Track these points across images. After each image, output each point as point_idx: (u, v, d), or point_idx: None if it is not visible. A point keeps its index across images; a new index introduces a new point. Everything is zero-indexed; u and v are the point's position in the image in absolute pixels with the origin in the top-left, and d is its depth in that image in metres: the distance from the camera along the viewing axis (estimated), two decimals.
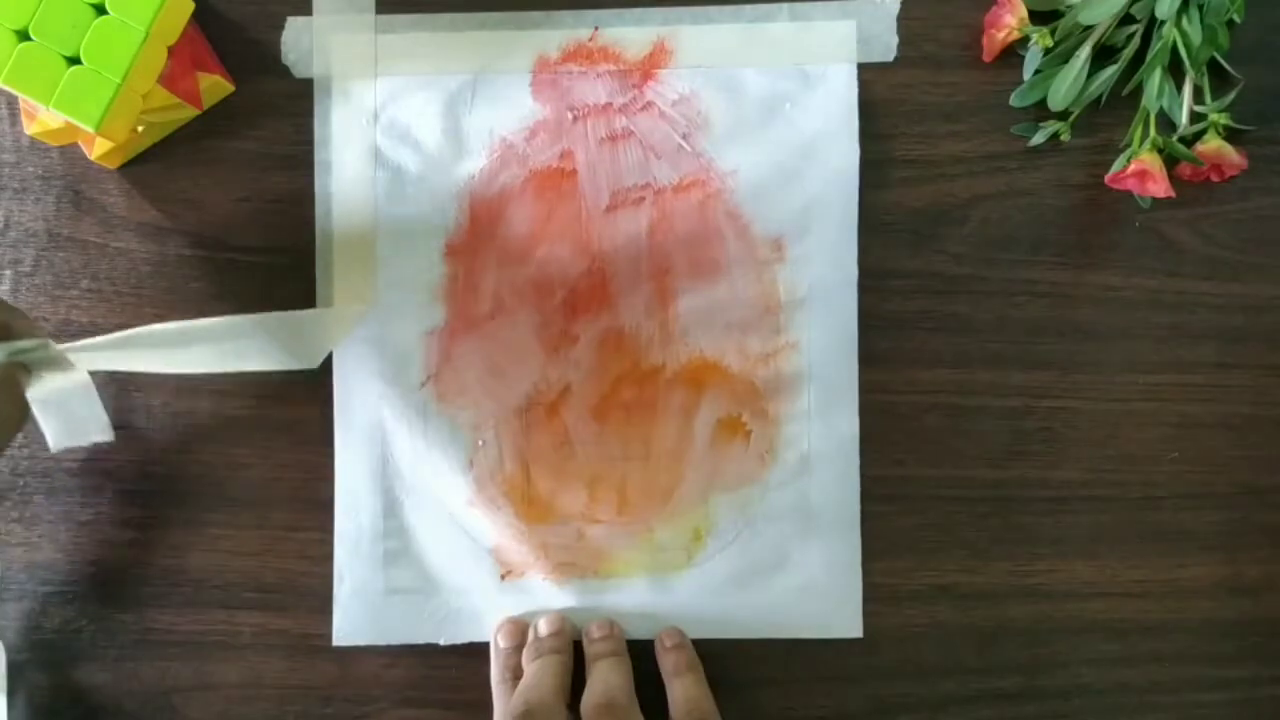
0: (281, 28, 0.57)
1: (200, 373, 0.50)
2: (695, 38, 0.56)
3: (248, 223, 0.57)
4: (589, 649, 0.55)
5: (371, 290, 0.56)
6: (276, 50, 0.57)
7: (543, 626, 0.55)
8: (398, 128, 0.56)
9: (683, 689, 0.53)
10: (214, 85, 0.55)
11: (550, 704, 0.51)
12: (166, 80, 0.52)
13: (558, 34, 0.57)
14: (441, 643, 0.56)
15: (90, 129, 0.49)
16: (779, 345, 0.56)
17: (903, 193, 0.56)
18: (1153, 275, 0.56)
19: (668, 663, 0.55)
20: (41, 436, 0.56)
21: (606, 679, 0.52)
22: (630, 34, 0.57)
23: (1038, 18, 0.56)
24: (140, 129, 0.54)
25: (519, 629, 0.55)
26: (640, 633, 0.56)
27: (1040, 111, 0.56)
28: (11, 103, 0.57)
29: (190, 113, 0.56)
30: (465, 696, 0.56)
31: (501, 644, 0.55)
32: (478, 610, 0.56)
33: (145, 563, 0.56)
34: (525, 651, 0.54)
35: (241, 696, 0.56)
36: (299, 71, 0.57)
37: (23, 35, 0.49)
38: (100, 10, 0.49)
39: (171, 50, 0.52)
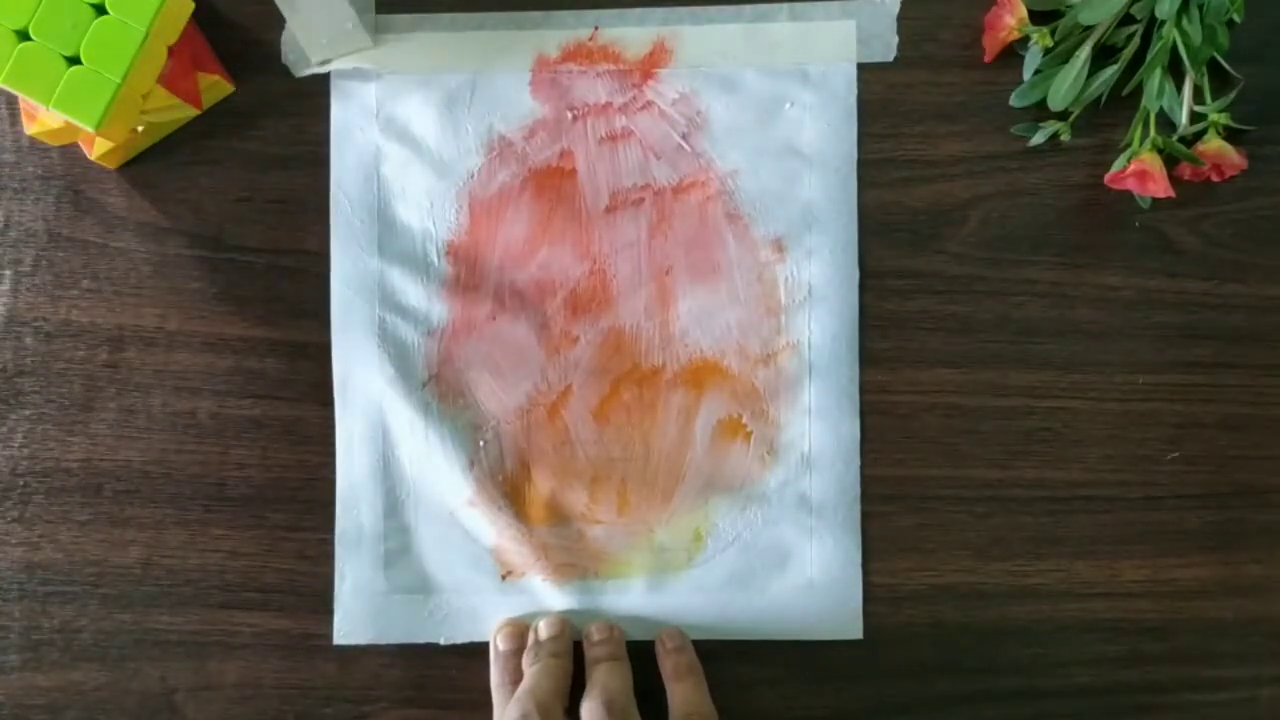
0: (281, 28, 0.56)
1: None
2: (695, 37, 0.56)
3: (248, 223, 0.57)
4: (589, 652, 0.55)
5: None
6: (276, 50, 0.57)
7: (543, 629, 0.55)
8: (397, 127, 0.56)
9: (683, 693, 0.53)
10: (214, 85, 0.55)
11: (549, 707, 0.51)
12: (166, 80, 0.52)
13: (558, 34, 0.56)
14: (441, 643, 0.56)
15: (90, 129, 0.49)
16: (779, 346, 0.56)
17: (903, 193, 0.56)
18: (1153, 275, 0.56)
19: (668, 665, 0.55)
20: (41, 436, 0.56)
21: (606, 682, 0.52)
22: (630, 34, 0.56)
23: (1038, 18, 0.55)
24: (140, 129, 0.54)
25: (519, 631, 0.55)
26: (640, 634, 0.56)
27: (1040, 111, 0.56)
28: (11, 103, 0.57)
29: (190, 113, 0.56)
30: (465, 696, 0.56)
31: (501, 647, 0.55)
32: (478, 610, 0.56)
33: (145, 563, 0.56)
34: (525, 655, 0.54)
35: (241, 696, 0.56)
36: (299, 71, 0.57)
37: (23, 35, 0.49)
38: (100, 10, 0.49)
39: (171, 50, 0.52)
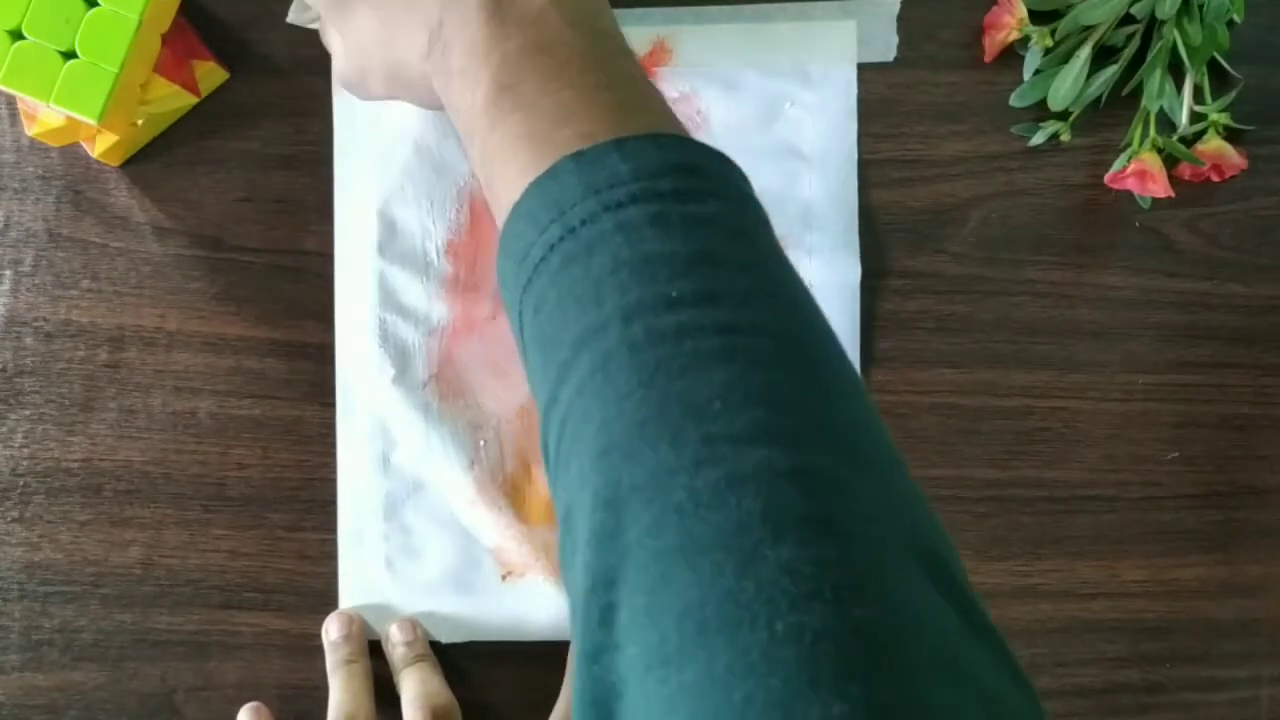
0: (282, 28, 0.54)
1: None
2: (695, 37, 0.54)
3: (248, 223, 0.54)
4: (393, 655, 0.52)
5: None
6: (277, 50, 0.54)
7: (331, 629, 0.52)
8: (398, 126, 0.54)
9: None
10: (210, 72, 0.53)
11: (355, 717, 0.49)
12: (163, 68, 0.50)
13: None
14: (442, 642, 0.53)
15: (93, 121, 0.47)
16: None
17: (903, 193, 0.54)
18: (1153, 275, 0.54)
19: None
20: (41, 435, 0.54)
21: (423, 688, 0.50)
22: (630, 33, 0.53)
23: (1038, 18, 0.53)
24: (140, 121, 0.52)
25: (347, 619, 0.53)
26: None
27: (1040, 111, 0.54)
28: (11, 103, 0.54)
29: (188, 101, 0.53)
30: (465, 696, 0.53)
31: (332, 635, 0.52)
32: (478, 611, 0.53)
33: (145, 563, 0.54)
34: (327, 657, 0.52)
35: (241, 696, 0.53)
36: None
37: (16, 35, 0.46)
38: (91, 3, 0.46)
39: (165, 39, 0.50)
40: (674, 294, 0.29)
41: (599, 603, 0.26)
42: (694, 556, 0.25)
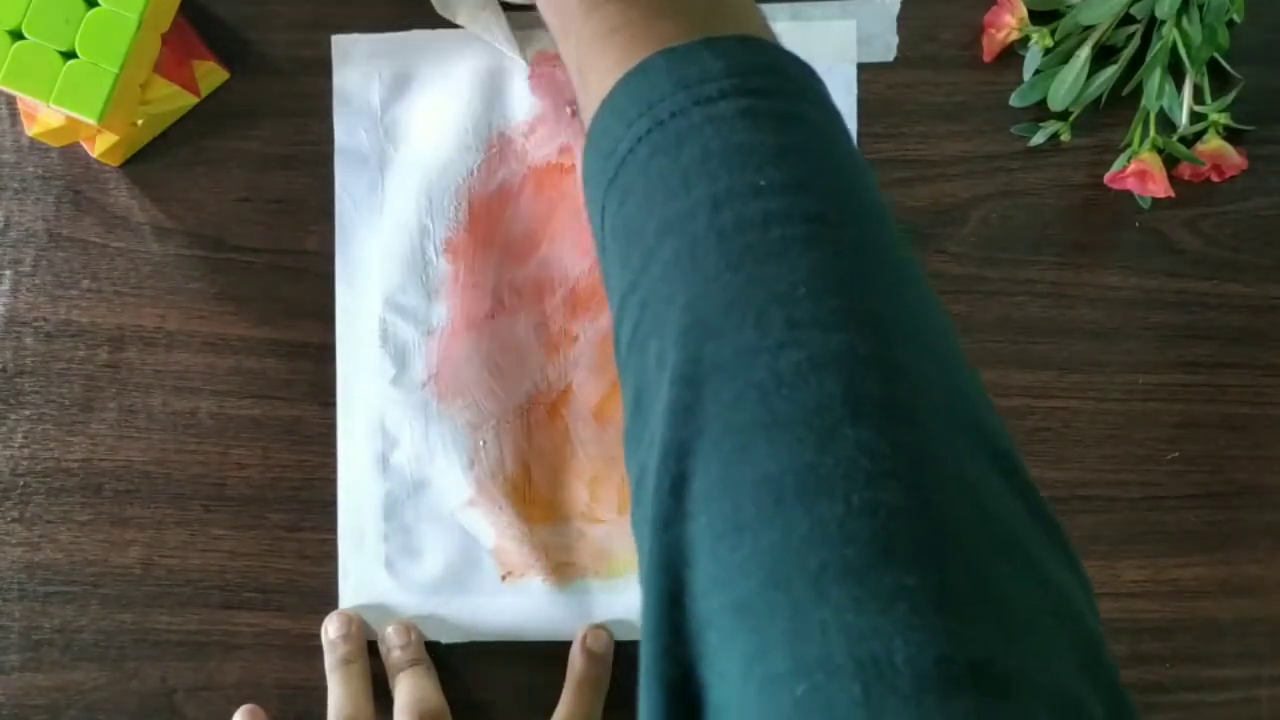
0: (282, 28, 0.54)
1: None
2: None
3: (248, 223, 0.54)
4: (388, 659, 0.52)
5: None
6: (277, 50, 0.54)
7: (331, 629, 0.52)
8: (398, 125, 0.53)
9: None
10: (210, 72, 0.53)
11: (354, 716, 0.49)
12: (162, 68, 0.50)
13: None
14: (442, 642, 0.53)
15: (93, 121, 0.46)
16: None
17: (903, 193, 0.53)
18: (1153, 275, 0.53)
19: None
20: (41, 435, 0.53)
21: (414, 692, 0.50)
22: None
23: (1038, 18, 0.53)
24: (140, 122, 0.51)
25: (346, 619, 0.52)
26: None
27: (1040, 111, 0.53)
28: (11, 103, 0.54)
29: (188, 101, 0.53)
30: (464, 697, 0.53)
31: (331, 634, 0.52)
32: (478, 611, 0.53)
33: (145, 563, 0.53)
34: (326, 657, 0.52)
35: (241, 696, 0.53)
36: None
37: (16, 35, 0.46)
38: (91, 3, 0.46)
39: (165, 38, 0.49)
40: (762, 182, 0.29)
41: (671, 472, 0.27)
42: (774, 431, 0.25)
